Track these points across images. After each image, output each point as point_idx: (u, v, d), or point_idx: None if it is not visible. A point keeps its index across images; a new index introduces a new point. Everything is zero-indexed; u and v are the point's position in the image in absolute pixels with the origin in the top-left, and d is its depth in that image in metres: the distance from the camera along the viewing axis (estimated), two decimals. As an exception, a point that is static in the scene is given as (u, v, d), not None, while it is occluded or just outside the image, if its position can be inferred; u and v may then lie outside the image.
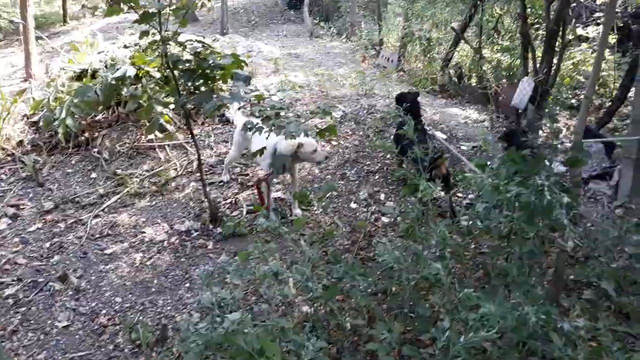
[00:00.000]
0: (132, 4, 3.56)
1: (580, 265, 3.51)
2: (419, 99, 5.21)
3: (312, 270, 3.16)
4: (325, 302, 3.02)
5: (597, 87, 7.46)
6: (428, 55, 9.45)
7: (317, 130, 3.78)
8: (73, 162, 5.80)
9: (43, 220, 4.87)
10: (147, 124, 6.02)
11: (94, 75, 6.19)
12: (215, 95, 3.83)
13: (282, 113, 3.70)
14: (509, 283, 2.71)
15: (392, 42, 12.45)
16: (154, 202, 5.05)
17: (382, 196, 5.10)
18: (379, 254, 3.04)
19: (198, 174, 5.43)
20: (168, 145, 5.86)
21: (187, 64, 3.88)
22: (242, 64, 3.87)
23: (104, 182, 5.40)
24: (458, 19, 8.83)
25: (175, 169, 5.53)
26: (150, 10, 3.55)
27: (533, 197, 2.50)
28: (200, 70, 3.88)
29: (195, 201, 5.02)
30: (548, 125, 5.59)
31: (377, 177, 5.41)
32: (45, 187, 5.46)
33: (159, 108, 5.34)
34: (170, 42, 3.85)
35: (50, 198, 5.25)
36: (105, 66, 6.26)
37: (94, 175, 5.55)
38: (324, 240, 4.34)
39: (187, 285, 3.93)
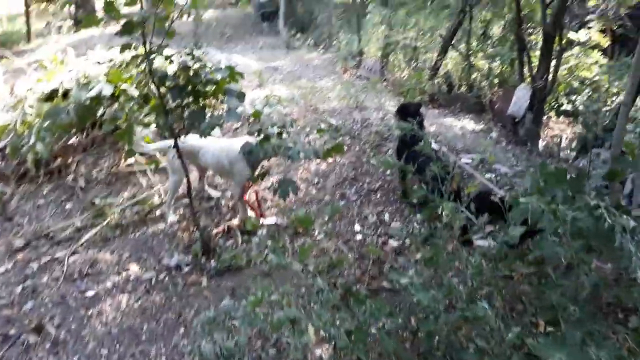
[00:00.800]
0: (113, 14, 3.13)
1: (623, 289, 3.19)
2: (421, 110, 4.87)
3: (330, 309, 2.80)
4: (351, 351, 2.62)
5: (590, 92, 7.30)
6: (414, 64, 9.18)
7: (324, 151, 3.38)
8: (45, 192, 5.27)
9: (13, 261, 4.34)
10: (127, 146, 5.59)
11: (65, 95, 5.68)
12: (208, 114, 3.41)
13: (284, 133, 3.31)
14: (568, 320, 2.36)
15: (373, 52, 12.20)
16: (138, 234, 4.57)
17: (387, 216, 4.73)
18: (409, 291, 2.67)
19: (185, 200, 5.02)
20: (150, 169, 5.38)
21: (176, 80, 3.45)
22: (239, 77, 3.46)
23: (80, 213, 4.89)
24: (445, 25, 8.61)
25: (160, 195, 5.06)
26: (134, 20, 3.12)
27: (591, 221, 2.16)
28: (190, 86, 3.47)
29: (184, 231, 4.56)
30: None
31: (378, 195, 5.04)
32: (14, 221, 4.93)
33: (140, 129, 4.90)
34: (156, 56, 3.42)
35: (20, 234, 4.72)
36: (78, 85, 5.76)
37: (69, 206, 5.04)
38: (329, 269, 3.96)
39: (182, 330, 3.47)
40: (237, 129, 6.04)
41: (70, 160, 5.56)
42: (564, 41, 6.14)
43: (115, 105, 5.37)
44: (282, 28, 17.32)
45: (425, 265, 3.20)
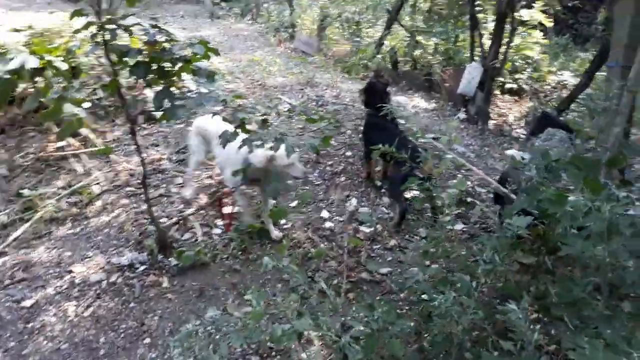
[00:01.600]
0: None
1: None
2: (388, 89, 4.62)
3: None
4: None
5: (531, 72, 7.42)
6: (356, 39, 8.90)
7: (313, 144, 3.01)
8: (-44, 181, 4.50)
9: None
10: (55, 127, 4.90)
11: (-25, 68, 4.85)
12: (176, 94, 2.93)
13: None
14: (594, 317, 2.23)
15: (308, 25, 11.82)
16: (78, 229, 3.99)
17: (354, 201, 4.48)
18: (422, 294, 2.44)
19: (128, 189, 4.49)
20: (85, 153, 4.75)
21: (134, 55, 2.92)
22: (213, 53, 3.00)
23: (5, 206, 4.20)
24: (389, 1, 8.39)
25: (99, 184, 4.47)
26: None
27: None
28: (155, 64, 2.96)
29: (132, 224, 4.05)
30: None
31: (343, 178, 4.78)
32: None
33: (71, 107, 4.26)
34: (113, 27, 2.88)
35: None
36: (-9, 56, 4.94)
37: (-11, 198, 4.32)
38: (304, 262, 3.66)
39: (148, 340, 3.03)
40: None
41: (-15, 143, 4.78)
42: (515, 21, 6.11)
43: (39, 80, 4.66)
44: (206, -5, 16.43)
45: (423, 259, 3.00)
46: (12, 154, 4.63)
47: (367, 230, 4.10)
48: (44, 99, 4.77)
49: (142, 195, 4.41)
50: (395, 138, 4.32)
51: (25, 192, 4.20)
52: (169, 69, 2.99)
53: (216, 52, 3.15)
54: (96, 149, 4.85)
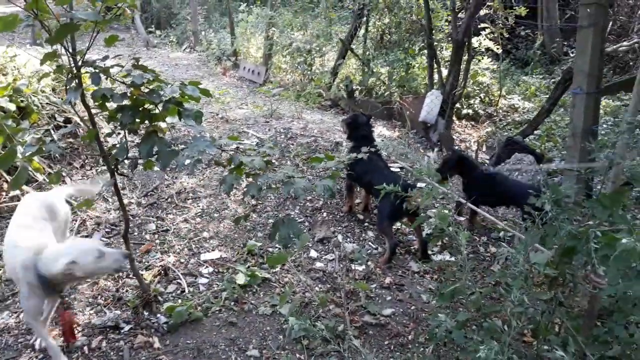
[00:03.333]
0: (37, 10, 2.30)
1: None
2: (371, 121, 4.59)
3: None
4: None
5: (483, 97, 7.66)
6: (307, 68, 8.87)
7: (328, 186, 2.84)
8: None
9: None
10: (6, 175, 4.44)
11: None
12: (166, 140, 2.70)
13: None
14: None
15: (253, 53, 11.71)
16: (46, 289, 3.59)
17: (340, 237, 4.36)
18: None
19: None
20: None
21: (119, 99, 2.67)
22: (205, 95, 2.80)
23: (-44, 267, 3.73)
24: (338, 29, 8.44)
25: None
26: (76, 22, 2.31)
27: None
28: (141, 107, 2.72)
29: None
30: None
31: (324, 214, 4.65)
32: None
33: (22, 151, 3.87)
34: (92, 69, 2.62)
35: None
36: None
37: (-64, 258, 3.82)
38: (302, 309, 3.47)
39: (147, 414, 2.74)
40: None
41: None
42: (471, 49, 6.30)
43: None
44: (139, 24, 15.98)
45: (440, 300, 2.91)
46: (-41, 206, 4.15)
47: (360, 268, 3.99)
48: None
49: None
50: (381, 170, 4.30)
51: (-20, 249, 3.74)
52: (154, 112, 2.76)
53: (208, 94, 2.96)
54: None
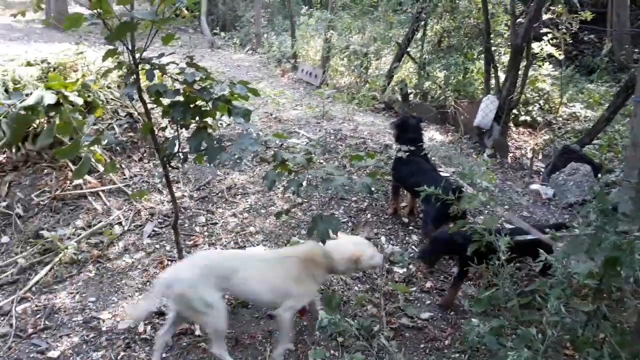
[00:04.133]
0: (100, 10, 2.47)
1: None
2: (421, 124, 4.59)
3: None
4: None
5: (542, 104, 7.41)
6: (363, 71, 8.89)
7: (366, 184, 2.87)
8: (-31, 221, 4.32)
9: (-60, 314, 3.44)
10: (72, 165, 4.75)
11: (-10, 103, 4.72)
12: (215, 136, 2.82)
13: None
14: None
15: (311, 56, 11.85)
16: (101, 272, 3.82)
17: (383, 239, 4.37)
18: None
19: (148, 228, 4.33)
20: (103, 191, 4.61)
21: (172, 96, 2.82)
22: (254, 94, 2.90)
23: (22, 248, 4.03)
24: (396, 32, 8.42)
25: (120, 223, 4.32)
26: (135, 21, 2.47)
27: None
28: (192, 104, 2.85)
29: (156, 266, 3.89)
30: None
31: (368, 215, 4.66)
32: None
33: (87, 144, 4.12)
34: (148, 65, 2.77)
35: (-57, 278, 3.79)
36: (6, 91, 4.83)
37: (4, 239, 4.13)
38: (338, 307, 3.50)
39: (185, 394, 2.86)
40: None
41: (-2, 181, 4.62)
42: (530, 54, 6.13)
43: (55, 116, 4.54)
44: (204, 26, 16.52)
45: (476, 306, 2.86)
46: (28, 193, 4.47)
47: (401, 271, 3.98)
48: (60, 135, 4.70)
49: (164, 235, 4.28)
50: (427, 173, 4.26)
51: (45, 233, 4.03)
52: (205, 108, 2.89)
53: (256, 93, 3.05)
54: (114, 187, 4.71)
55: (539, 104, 7.39)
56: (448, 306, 3.60)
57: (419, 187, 2.93)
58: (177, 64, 2.90)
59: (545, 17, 6.98)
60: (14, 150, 4.87)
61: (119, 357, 3.08)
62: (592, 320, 2.53)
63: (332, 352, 3.11)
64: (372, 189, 2.57)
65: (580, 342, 2.38)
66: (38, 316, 3.40)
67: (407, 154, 4.18)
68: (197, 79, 2.86)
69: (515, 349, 2.22)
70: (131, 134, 5.24)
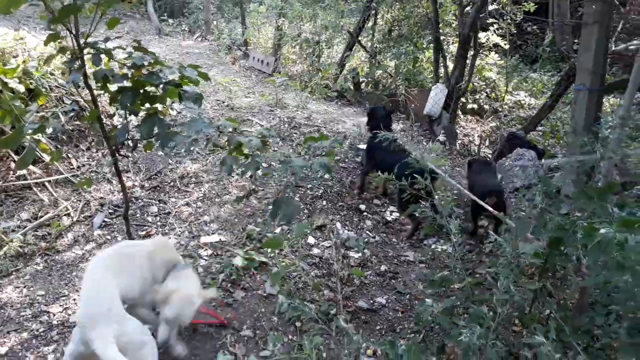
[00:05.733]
0: (43, -6, 2.37)
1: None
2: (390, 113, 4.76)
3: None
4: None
5: (489, 92, 7.66)
6: (315, 59, 8.91)
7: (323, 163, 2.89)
8: None
9: None
10: (14, 155, 4.54)
11: None
12: (167, 123, 2.77)
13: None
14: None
15: (262, 43, 11.75)
16: (49, 265, 3.70)
17: (338, 225, 4.43)
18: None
19: (98, 219, 4.22)
20: (49, 182, 4.44)
21: (120, 81, 2.75)
22: (204, 78, 2.87)
23: (-38, 242, 3.84)
24: (347, 21, 8.46)
25: (68, 214, 4.18)
26: (78, 3, 2.38)
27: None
28: (141, 89, 2.79)
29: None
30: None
31: (324, 202, 4.71)
32: None
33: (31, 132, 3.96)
34: (93, 50, 2.69)
35: None
36: (-58, 78, 4.55)
37: (-57, 233, 3.93)
38: (297, 292, 3.54)
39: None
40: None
41: None
42: (477, 44, 6.31)
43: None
44: (151, 12, 16.05)
45: (429, 287, 2.96)
46: (-32, 184, 4.25)
47: (356, 255, 4.05)
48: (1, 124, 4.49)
49: (115, 226, 4.18)
50: (402, 157, 4.36)
51: (-13, 226, 3.86)
52: (155, 93, 2.83)
53: (206, 77, 3.02)
54: (61, 177, 4.54)
55: (486, 92, 7.64)
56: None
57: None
58: (124, 49, 2.83)
59: (490, 7, 7.21)
60: (-51, 140, 4.62)
61: (72, 351, 3.00)
62: (539, 298, 2.67)
63: (290, 337, 3.14)
64: (329, 169, 2.58)
65: (527, 318, 2.51)
66: (-17, 312, 3.26)
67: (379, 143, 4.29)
68: (146, 63, 2.80)
69: (467, 327, 2.30)
70: (77, 122, 5.05)
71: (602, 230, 1.99)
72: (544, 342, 2.13)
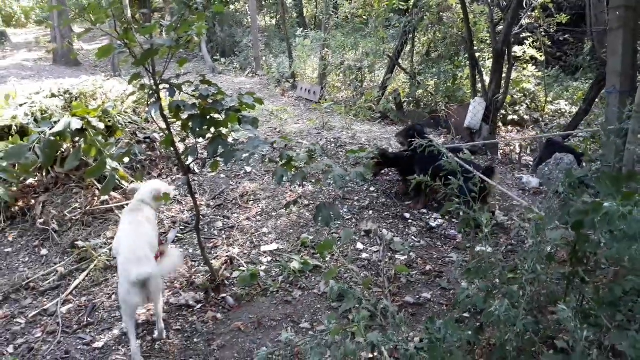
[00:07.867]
0: (127, 40, 2.95)
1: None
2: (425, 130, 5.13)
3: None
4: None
5: (529, 103, 7.86)
6: (358, 85, 9.41)
7: (359, 172, 3.32)
8: (11, 238, 4.76)
9: (-6, 318, 3.87)
10: (97, 183, 5.22)
11: (22, 131, 5.22)
12: (229, 143, 3.27)
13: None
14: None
15: (309, 74, 12.37)
16: (132, 275, 4.25)
17: (385, 232, 4.79)
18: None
19: (171, 235, 4.77)
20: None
21: (192, 109, 3.29)
22: (259, 103, 3.37)
23: (59, 258, 4.47)
24: (387, 46, 8.94)
25: (145, 232, 4.75)
26: (155, 48, 2.94)
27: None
28: (207, 116, 3.32)
29: (182, 267, 4.31)
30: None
31: (370, 212, 5.09)
32: (-19, 274, 4.40)
33: (112, 163, 4.59)
34: (168, 85, 3.24)
35: (-6, 288, 4.22)
36: (35, 120, 5.32)
37: (44, 251, 4.58)
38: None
39: (218, 371, 3.27)
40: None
41: (32, 202, 5.08)
42: (511, 57, 6.60)
43: (80, 140, 5.03)
44: (205, 53, 17.17)
45: (466, 274, 3.27)
46: (61, 210, 4.93)
47: (402, 258, 4.39)
48: (85, 157, 5.17)
49: (187, 240, 4.72)
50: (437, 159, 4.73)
51: (79, 243, 4.48)
52: (218, 119, 3.35)
53: (261, 102, 3.53)
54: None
55: (526, 104, 7.85)
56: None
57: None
58: (192, 83, 3.38)
59: (524, 22, 7.48)
60: (44, 173, 5.35)
61: (156, 345, 3.50)
62: (571, 284, 2.93)
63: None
64: (366, 177, 2.99)
65: (553, 295, 2.78)
66: (81, 314, 3.82)
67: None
68: (210, 93, 3.34)
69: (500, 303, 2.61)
70: (149, 153, 5.70)
71: (606, 204, 2.29)
72: (565, 309, 2.42)
